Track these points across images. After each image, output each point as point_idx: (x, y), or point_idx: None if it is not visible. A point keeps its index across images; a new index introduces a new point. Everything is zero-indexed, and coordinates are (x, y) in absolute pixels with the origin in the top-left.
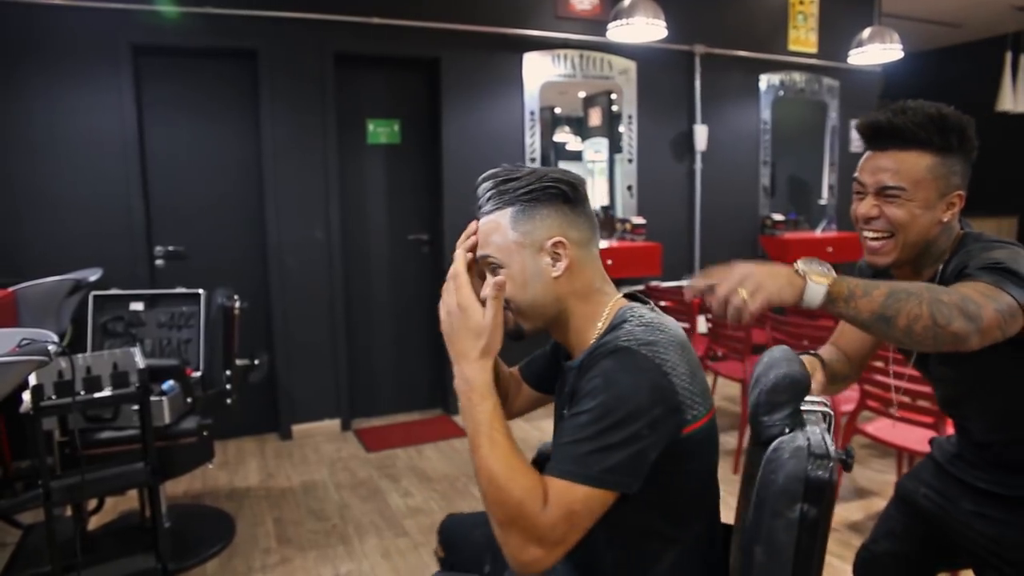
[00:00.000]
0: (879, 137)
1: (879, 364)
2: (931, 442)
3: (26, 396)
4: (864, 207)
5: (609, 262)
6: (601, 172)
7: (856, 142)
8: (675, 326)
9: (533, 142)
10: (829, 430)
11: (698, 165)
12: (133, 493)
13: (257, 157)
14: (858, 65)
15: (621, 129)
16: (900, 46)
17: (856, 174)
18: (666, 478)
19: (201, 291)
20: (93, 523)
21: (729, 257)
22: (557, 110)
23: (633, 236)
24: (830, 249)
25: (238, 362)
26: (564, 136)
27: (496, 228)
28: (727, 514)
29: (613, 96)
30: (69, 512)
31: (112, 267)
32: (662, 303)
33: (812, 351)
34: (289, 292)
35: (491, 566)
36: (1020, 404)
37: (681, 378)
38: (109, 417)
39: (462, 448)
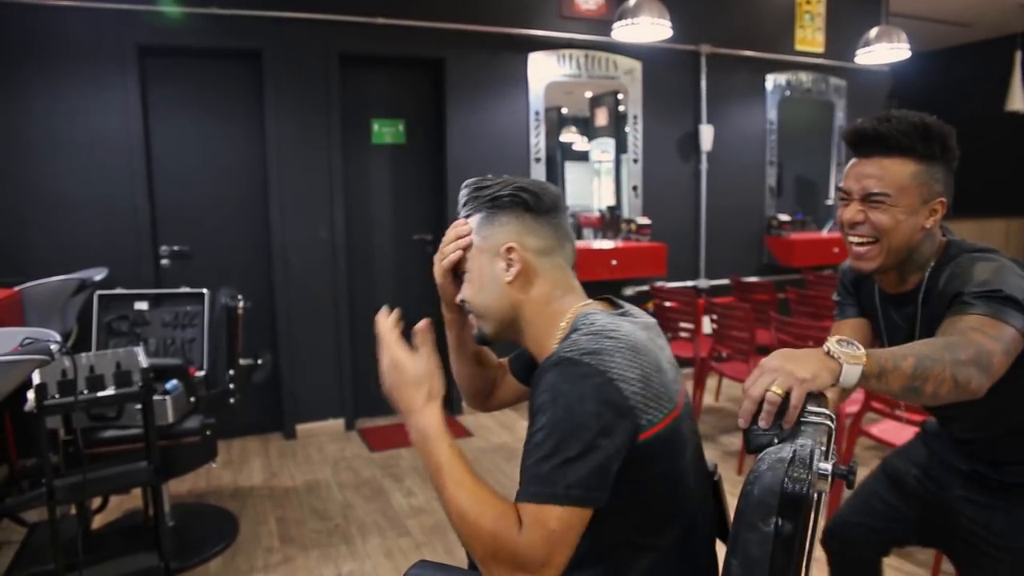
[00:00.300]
0: (864, 144)
1: None
2: (923, 425)
3: (31, 395)
4: (850, 212)
5: (614, 262)
6: (608, 172)
7: None
8: (631, 329)
9: (538, 142)
10: (829, 443)
11: (704, 165)
12: (138, 492)
13: (262, 157)
14: (865, 65)
15: (627, 129)
16: (907, 46)
17: (841, 182)
18: (630, 486)
19: (205, 291)
20: (97, 521)
21: (734, 257)
22: (564, 110)
23: (638, 236)
24: (836, 250)
25: (242, 361)
26: (571, 136)
27: (467, 232)
28: None
29: (620, 96)
30: (74, 511)
31: (117, 267)
32: (667, 303)
33: None
34: (293, 292)
35: None
36: (1004, 407)
37: (630, 383)
38: (113, 416)
39: (465, 448)
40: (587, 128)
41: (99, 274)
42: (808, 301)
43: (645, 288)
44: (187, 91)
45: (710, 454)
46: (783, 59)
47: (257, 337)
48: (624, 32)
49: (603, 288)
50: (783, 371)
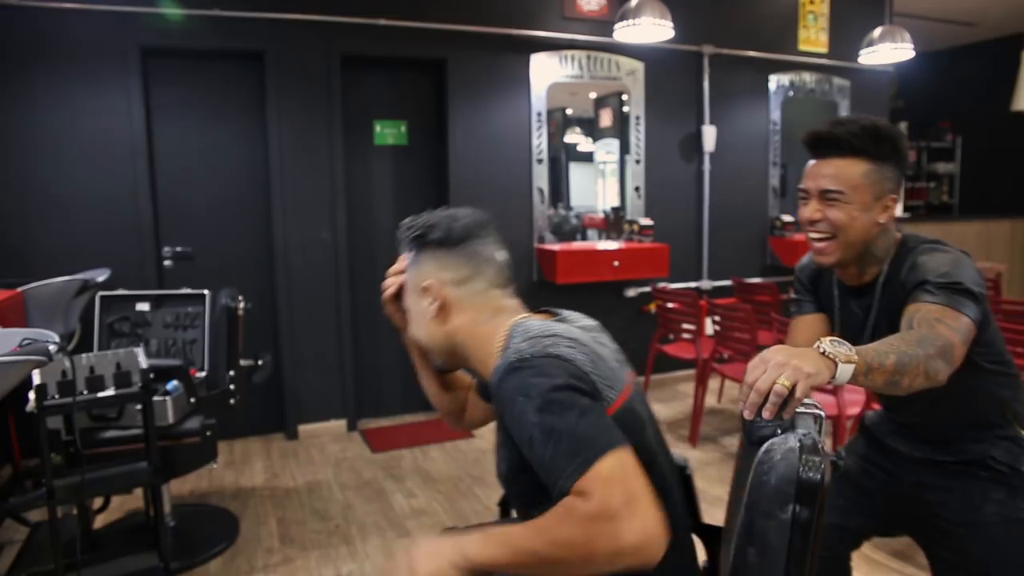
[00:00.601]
0: (820, 146)
1: None
2: (862, 418)
3: (32, 395)
4: (808, 211)
5: (616, 263)
6: (613, 173)
7: None
8: (563, 329)
9: (540, 143)
10: (820, 432)
11: (707, 166)
12: (140, 492)
13: (264, 158)
14: (869, 65)
15: (629, 130)
16: (911, 45)
17: (801, 183)
18: None
19: (206, 292)
20: (99, 522)
21: (738, 258)
22: (568, 111)
23: (641, 237)
24: None
25: (242, 362)
26: (575, 137)
27: (406, 271)
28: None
29: (624, 97)
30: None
31: (121, 268)
32: (669, 304)
33: None
34: (296, 293)
35: None
36: (950, 389)
37: (583, 364)
38: (114, 417)
39: (467, 449)
40: (592, 129)
41: (102, 275)
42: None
43: (647, 289)
44: (190, 93)
45: (712, 455)
46: (786, 59)
47: (259, 338)
48: (625, 33)
49: (605, 289)
50: (790, 366)
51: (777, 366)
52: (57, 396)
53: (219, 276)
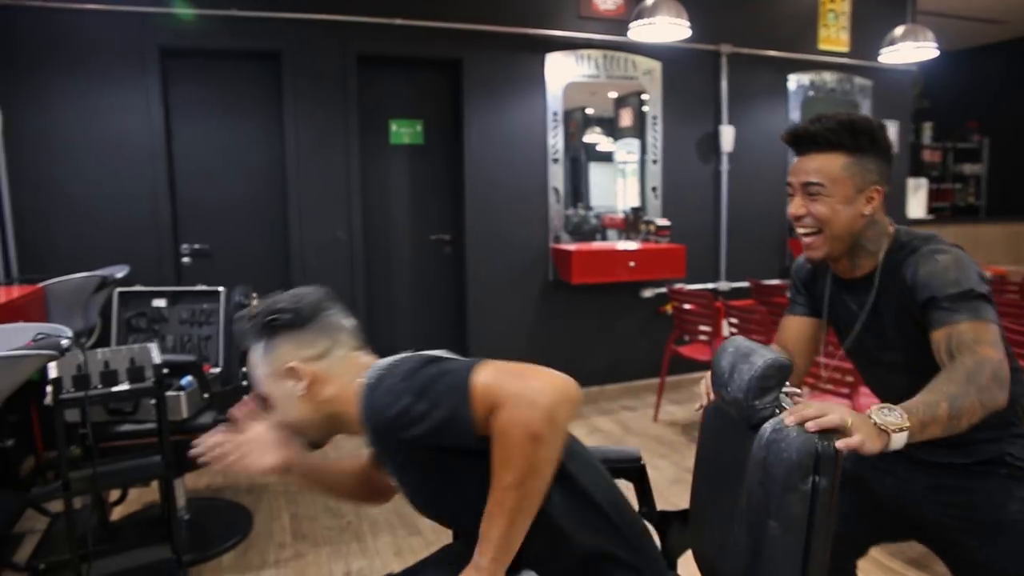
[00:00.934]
0: (800, 143)
1: None
2: None
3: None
4: (793, 207)
5: (632, 264)
6: (633, 173)
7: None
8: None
9: (556, 143)
10: None
11: (724, 166)
12: (157, 485)
13: (281, 157)
14: (892, 64)
15: (646, 130)
16: (934, 44)
17: (788, 179)
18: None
19: (221, 289)
20: (117, 513)
21: (755, 259)
22: (589, 110)
23: (658, 238)
24: None
25: None
26: (595, 137)
27: (256, 366)
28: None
29: (644, 96)
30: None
31: (140, 265)
32: (685, 306)
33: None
34: None
35: None
36: None
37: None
38: (129, 411)
39: None
40: (612, 129)
41: (120, 272)
42: None
43: (663, 290)
44: (208, 92)
45: None
46: (806, 59)
47: None
48: (641, 32)
49: (622, 289)
50: (854, 417)
51: (846, 413)
52: (72, 390)
53: (236, 274)
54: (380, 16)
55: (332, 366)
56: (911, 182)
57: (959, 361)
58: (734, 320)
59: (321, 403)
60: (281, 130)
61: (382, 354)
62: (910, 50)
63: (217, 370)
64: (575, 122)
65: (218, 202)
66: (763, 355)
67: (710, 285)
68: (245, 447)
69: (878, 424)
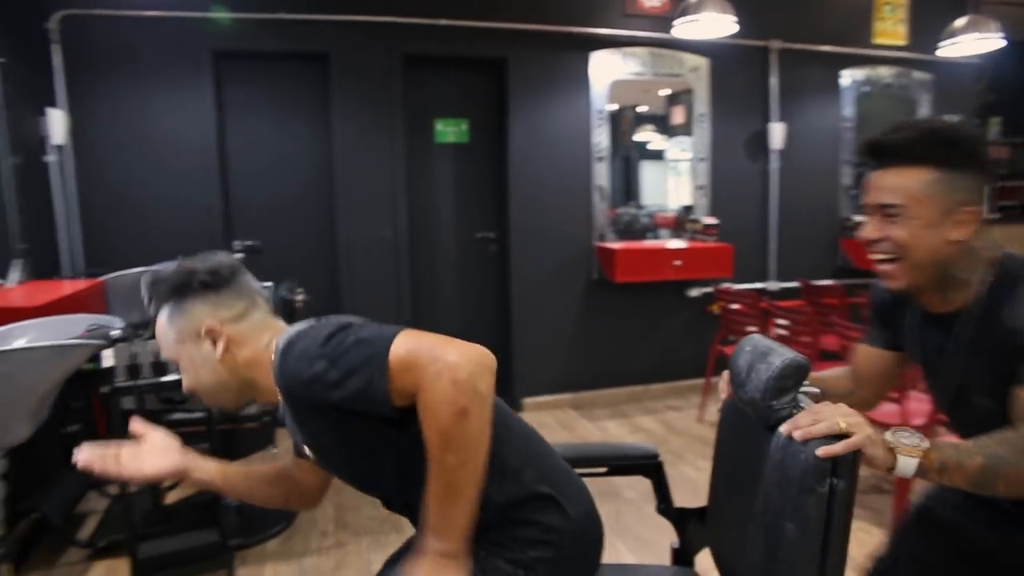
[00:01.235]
0: (877, 156)
1: None
2: None
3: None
4: (867, 230)
5: (678, 263)
6: (686, 171)
7: None
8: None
9: (600, 141)
10: None
11: (774, 164)
12: None
13: (328, 156)
14: (954, 57)
15: (693, 127)
16: (1000, 34)
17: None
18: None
19: (269, 284)
20: (172, 497)
21: (807, 259)
22: (642, 108)
23: (704, 236)
24: None
25: None
26: (647, 135)
27: (163, 331)
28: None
29: (692, 94)
30: None
31: None
32: (733, 305)
33: None
34: (358, 288)
35: None
36: None
37: (350, 318)
38: (180, 400)
39: None
40: (664, 126)
41: None
42: None
43: (710, 290)
44: (258, 93)
45: None
46: (861, 53)
47: None
48: (686, 29)
49: (667, 289)
50: (856, 421)
51: (844, 413)
52: (125, 379)
53: (285, 270)
54: (425, 17)
55: (249, 329)
56: None
57: (1020, 425)
58: (782, 321)
59: (237, 366)
60: (329, 130)
61: None
62: (973, 42)
63: None
64: (627, 120)
65: (268, 200)
66: (781, 354)
67: (759, 285)
68: (138, 453)
69: (888, 441)
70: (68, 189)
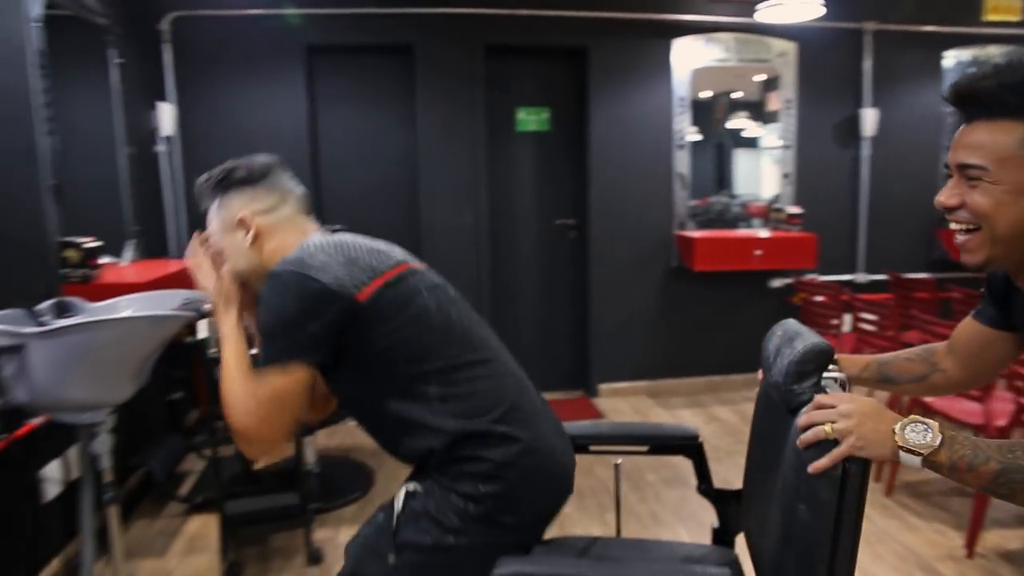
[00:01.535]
0: (964, 105)
1: None
2: None
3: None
4: (943, 194)
5: (759, 253)
6: (780, 159)
7: None
8: (334, 238)
9: (681, 128)
10: None
11: (865, 151)
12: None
13: (413, 145)
14: None
15: (780, 113)
16: None
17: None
18: (377, 331)
19: None
20: (261, 462)
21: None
22: (735, 95)
23: (788, 226)
24: None
25: None
26: (742, 121)
27: (211, 223)
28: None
29: (779, 79)
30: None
31: None
32: (816, 298)
33: None
34: (439, 271)
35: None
36: None
37: (330, 271)
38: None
39: None
40: (759, 113)
41: None
42: (976, 302)
43: (791, 281)
44: (347, 85)
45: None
46: (968, 32)
47: None
48: (769, 13)
49: (748, 278)
50: (852, 419)
51: (844, 412)
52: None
53: None
54: (506, 7)
55: (278, 223)
56: None
57: None
58: (868, 316)
59: (265, 257)
60: (413, 119)
61: (506, 339)
62: None
63: None
64: (721, 107)
65: (356, 186)
66: (805, 339)
67: (847, 276)
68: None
69: (895, 432)
70: (176, 177)
